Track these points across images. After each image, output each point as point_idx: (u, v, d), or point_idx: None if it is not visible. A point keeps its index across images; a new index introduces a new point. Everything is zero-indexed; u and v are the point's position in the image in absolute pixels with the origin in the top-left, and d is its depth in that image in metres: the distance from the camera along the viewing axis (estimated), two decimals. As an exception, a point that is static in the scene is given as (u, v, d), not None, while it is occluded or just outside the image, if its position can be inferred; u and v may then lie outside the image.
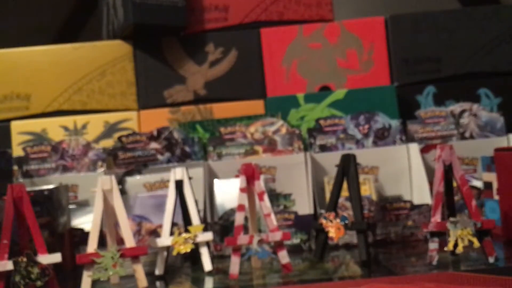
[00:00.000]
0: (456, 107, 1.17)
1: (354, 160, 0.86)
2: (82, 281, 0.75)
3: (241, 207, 0.79)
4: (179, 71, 1.29)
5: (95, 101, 1.26)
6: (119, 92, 1.27)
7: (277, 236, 0.78)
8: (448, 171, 0.81)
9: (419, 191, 1.06)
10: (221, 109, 1.25)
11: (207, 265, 0.82)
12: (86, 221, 1.02)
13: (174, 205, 0.85)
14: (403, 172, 1.10)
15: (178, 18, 1.24)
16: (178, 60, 1.29)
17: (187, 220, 0.87)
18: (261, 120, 1.17)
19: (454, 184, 0.83)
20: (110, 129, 1.24)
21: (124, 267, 0.74)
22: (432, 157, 1.03)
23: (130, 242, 0.76)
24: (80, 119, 1.24)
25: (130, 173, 1.11)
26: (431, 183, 0.94)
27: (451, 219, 0.78)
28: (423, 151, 1.10)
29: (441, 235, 0.79)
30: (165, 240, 0.83)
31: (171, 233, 0.83)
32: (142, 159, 1.13)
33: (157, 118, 1.24)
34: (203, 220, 0.98)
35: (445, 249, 0.78)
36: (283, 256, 0.78)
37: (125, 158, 1.12)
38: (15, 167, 1.12)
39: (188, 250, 0.81)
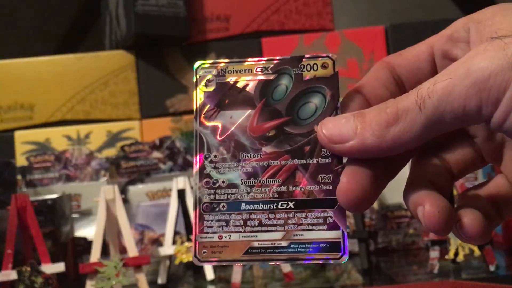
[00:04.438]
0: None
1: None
2: (85, 290, 0.75)
3: (243, 216, 0.80)
4: (181, 80, 1.30)
5: (98, 110, 1.27)
6: (121, 101, 1.28)
7: (279, 244, 0.79)
8: (449, 180, 0.82)
9: (420, 199, 1.06)
10: (223, 118, 1.26)
11: (209, 274, 0.82)
12: (89, 231, 1.03)
13: (176, 214, 0.86)
14: (404, 180, 1.10)
15: (180, 28, 1.25)
16: (180, 70, 1.30)
17: (189, 229, 0.87)
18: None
19: (455, 192, 0.83)
20: (113, 139, 1.25)
21: (127, 276, 0.75)
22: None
23: (132, 251, 0.76)
24: (83, 129, 1.25)
25: (132, 182, 1.12)
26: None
27: (452, 227, 0.78)
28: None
29: (442, 243, 0.79)
30: (167, 249, 0.83)
31: (174, 242, 0.84)
32: (145, 168, 1.14)
33: (159, 127, 1.25)
34: (205, 229, 0.98)
35: (446, 257, 0.78)
36: (285, 265, 0.79)
37: (128, 167, 1.13)
38: (19, 177, 1.12)
39: (190, 259, 0.82)
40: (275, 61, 0.29)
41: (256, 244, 0.27)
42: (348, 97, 0.29)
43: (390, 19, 1.36)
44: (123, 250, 0.81)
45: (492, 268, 0.76)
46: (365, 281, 0.78)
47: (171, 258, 0.84)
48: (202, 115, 0.29)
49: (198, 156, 0.28)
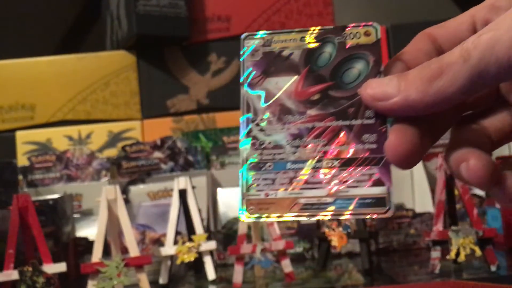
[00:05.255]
0: (458, 116, 1.17)
1: (356, 169, 0.86)
2: (86, 290, 0.75)
3: (244, 216, 0.80)
4: (182, 80, 1.30)
5: (99, 111, 1.28)
6: (122, 102, 1.28)
7: (280, 245, 0.79)
8: (450, 180, 0.82)
9: (421, 199, 1.07)
10: (224, 118, 1.26)
11: (211, 274, 0.82)
12: (91, 231, 1.03)
13: (177, 214, 0.86)
14: (405, 180, 1.10)
15: (181, 29, 1.25)
16: (181, 70, 1.30)
17: (190, 229, 0.87)
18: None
19: (456, 192, 0.83)
20: (114, 139, 1.25)
21: (129, 276, 0.75)
22: (434, 165, 1.03)
23: (134, 251, 0.76)
24: (85, 129, 1.25)
25: (133, 182, 1.12)
26: (433, 191, 0.94)
27: (453, 227, 0.78)
28: (425, 159, 1.10)
29: (443, 243, 0.79)
30: (168, 249, 0.83)
31: (175, 242, 0.84)
32: (146, 168, 1.14)
33: (160, 128, 1.25)
34: (207, 229, 0.98)
35: (447, 257, 0.78)
36: (286, 265, 0.79)
37: (129, 167, 1.13)
38: (20, 177, 1.12)
39: (192, 259, 0.82)
40: (319, 31, 0.30)
41: (302, 201, 0.28)
42: (390, 64, 0.29)
43: (391, 20, 1.36)
44: (124, 250, 0.81)
45: (493, 268, 0.76)
46: (366, 281, 0.78)
47: (172, 258, 0.84)
48: (249, 82, 0.30)
49: (245, 120, 0.29)
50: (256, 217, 0.28)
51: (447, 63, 0.25)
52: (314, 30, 0.30)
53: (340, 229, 0.84)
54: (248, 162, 0.29)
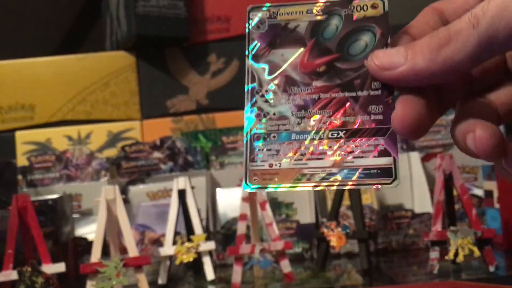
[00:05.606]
0: (457, 116, 1.17)
1: (355, 169, 0.86)
2: (85, 291, 0.76)
3: (243, 217, 0.80)
4: (182, 81, 1.30)
5: (99, 111, 1.28)
6: (122, 102, 1.28)
7: (279, 245, 0.79)
8: (449, 180, 0.82)
9: (420, 199, 1.07)
10: (223, 119, 1.26)
11: (210, 274, 0.82)
12: (90, 231, 1.03)
13: (176, 214, 0.86)
14: (404, 180, 1.10)
15: (181, 29, 1.25)
16: (180, 70, 1.30)
17: (189, 229, 0.87)
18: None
19: (455, 193, 0.84)
20: (113, 139, 1.25)
21: (127, 276, 0.75)
22: (433, 166, 1.03)
23: (133, 251, 0.76)
24: (84, 129, 1.25)
25: (133, 182, 1.12)
26: (432, 191, 0.94)
27: (452, 228, 0.78)
28: (424, 159, 1.10)
29: (442, 244, 0.79)
30: (167, 249, 0.83)
31: (174, 242, 0.84)
32: (145, 168, 1.14)
33: (160, 128, 1.25)
34: (206, 229, 0.98)
35: (446, 258, 0.79)
36: (285, 265, 0.79)
37: (128, 168, 1.13)
38: (20, 177, 1.13)
39: (191, 259, 0.82)
40: (326, 3, 0.30)
41: (306, 171, 0.28)
42: (397, 37, 0.29)
43: (392, 20, 1.36)
44: (123, 250, 0.81)
45: (492, 268, 0.76)
46: (365, 281, 0.78)
47: (171, 258, 0.85)
48: (254, 53, 0.30)
49: (249, 90, 0.29)
50: (260, 187, 0.28)
51: (455, 30, 0.25)
52: (320, 2, 0.30)
53: (339, 229, 0.84)
54: (252, 132, 0.29)
